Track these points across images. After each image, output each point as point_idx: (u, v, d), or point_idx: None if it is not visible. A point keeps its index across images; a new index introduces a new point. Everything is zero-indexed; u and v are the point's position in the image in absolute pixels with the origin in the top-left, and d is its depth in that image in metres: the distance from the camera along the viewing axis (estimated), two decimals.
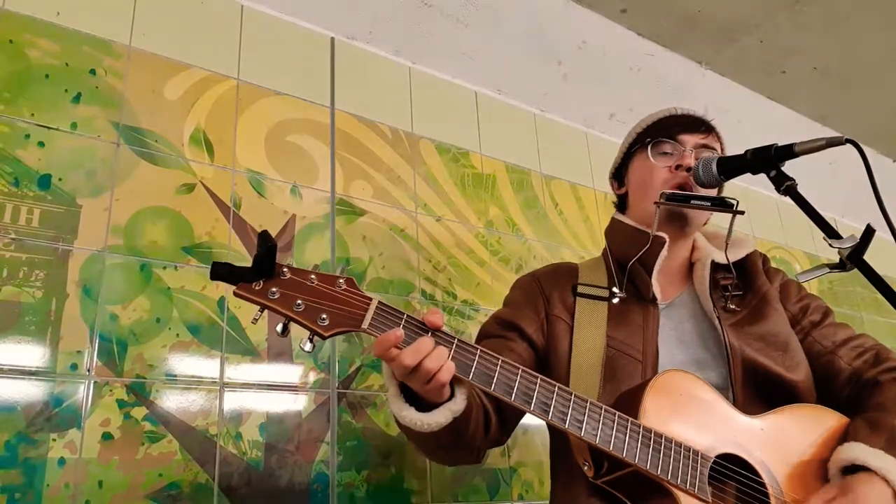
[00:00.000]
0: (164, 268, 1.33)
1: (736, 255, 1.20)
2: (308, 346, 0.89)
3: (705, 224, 1.29)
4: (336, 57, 1.77)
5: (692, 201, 1.14)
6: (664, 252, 1.15)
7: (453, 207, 1.83)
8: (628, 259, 1.19)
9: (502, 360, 0.92)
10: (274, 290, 0.87)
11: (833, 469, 1.00)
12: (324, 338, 0.88)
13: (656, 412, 0.96)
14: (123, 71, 1.42)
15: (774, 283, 1.24)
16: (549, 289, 1.22)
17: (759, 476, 0.99)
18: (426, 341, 0.89)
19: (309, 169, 1.60)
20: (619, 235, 1.25)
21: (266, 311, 0.88)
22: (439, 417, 0.92)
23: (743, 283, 1.21)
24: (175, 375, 1.27)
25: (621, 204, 1.33)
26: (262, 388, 1.36)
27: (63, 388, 1.16)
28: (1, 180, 1.22)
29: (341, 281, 0.90)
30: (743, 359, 1.09)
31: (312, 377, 1.42)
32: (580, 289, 1.19)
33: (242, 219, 1.46)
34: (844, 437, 1.04)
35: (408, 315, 0.91)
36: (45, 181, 1.26)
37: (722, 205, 1.12)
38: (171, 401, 1.25)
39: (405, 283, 1.64)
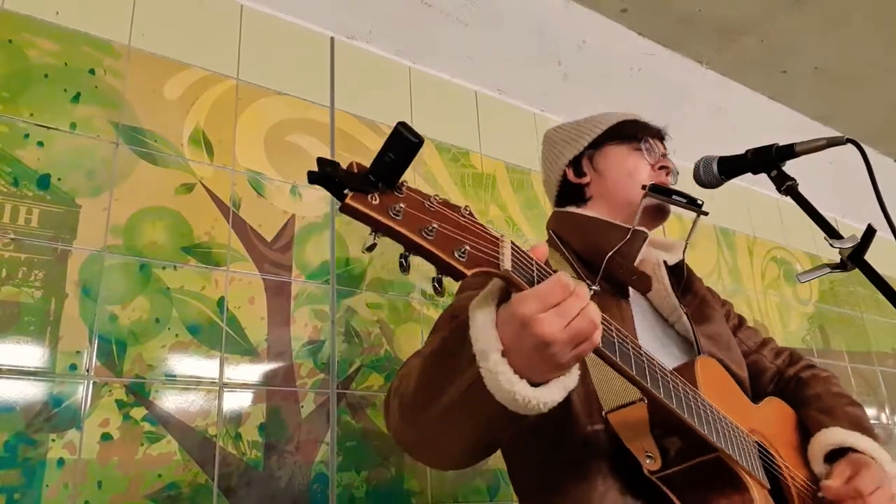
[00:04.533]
0: (164, 268, 1.32)
1: (676, 257, 1.22)
2: (434, 289, 0.67)
3: None
4: (336, 57, 1.77)
5: (673, 196, 1.16)
6: (645, 247, 1.15)
7: None
8: (596, 252, 1.14)
9: (615, 326, 0.79)
10: (398, 207, 0.62)
11: (819, 452, 1.09)
12: (461, 277, 0.65)
13: (708, 395, 0.92)
14: (123, 71, 1.42)
15: (703, 286, 1.29)
16: None
17: (776, 459, 1.03)
18: (585, 290, 0.71)
19: (309, 169, 1.60)
20: (584, 228, 1.20)
21: (377, 238, 0.64)
22: (555, 394, 0.73)
23: (682, 285, 1.23)
24: (174, 376, 1.27)
25: (575, 194, 1.26)
26: (262, 389, 1.35)
27: (62, 389, 1.16)
28: (0, 180, 1.21)
29: (465, 208, 0.69)
30: (710, 357, 1.11)
31: (312, 377, 1.42)
32: None
33: (242, 219, 1.46)
34: (802, 425, 1.18)
35: (535, 260, 0.73)
36: (44, 181, 1.25)
37: (693, 204, 1.15)
38: (171, 401, 1.25)
39: (405, 283, 1.64)
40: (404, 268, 0.65)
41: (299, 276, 1.48)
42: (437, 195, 0.67)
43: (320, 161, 0.61)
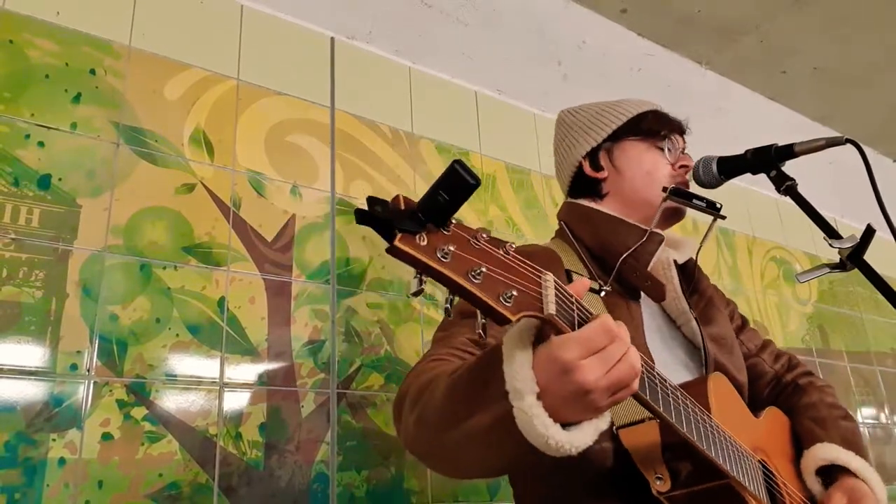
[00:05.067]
0: (164, 268, 1.33)
1: (686, 255, 1.20)
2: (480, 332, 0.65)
3: None
4: (336, 57, 1.77)
5: (693, 200, 1.14)
6: (661, 250, 1.14)
7: None
8: (609, 251, 1.13)
9: (644, 359, 0.77)
10: (446, 248, 0.59)
11: (812, 466, 1.09)
12: (506, 322, 0.62)
13: (719, 416, 0.91)
14: (123, 71, 1.42)
15: (710, 285, 1.27)
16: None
17: (776, 479, 1.02)
18: (626, 333, 0.70)
19: (309, 169, 1.60)
20: (598, 225, 1.17)
21: (424, 282, 0.61)
22: (587, 438, 0.70)
23: (691, 286, 1.22)
24: (175, 375, 1.27)
25: (590, 187, 1.23)
26: (262, 389, 1.36)
27: (63, 389, 1.16)
28: (1, 180, 1.22)
29: (510, 244, 0.65)
30: (715, 362, 1.11)
31: (312, 377, 1.42)
32: (574, 276, 1.08)
33: (242, 219, 1.46)
34: (795, 435, 1.17)
35: (576, 299, 0.70)
36: (44, 181, 1.26)
37: (713, 208, 1.13)
38: (171, 401, 1.25)
39: (405, 283, 1.64)
40: (449, 313, 0.64)
41: (299, 276, 1.49)
42: (482, 230, 0.64)
43: (370, 200, 0.57)
